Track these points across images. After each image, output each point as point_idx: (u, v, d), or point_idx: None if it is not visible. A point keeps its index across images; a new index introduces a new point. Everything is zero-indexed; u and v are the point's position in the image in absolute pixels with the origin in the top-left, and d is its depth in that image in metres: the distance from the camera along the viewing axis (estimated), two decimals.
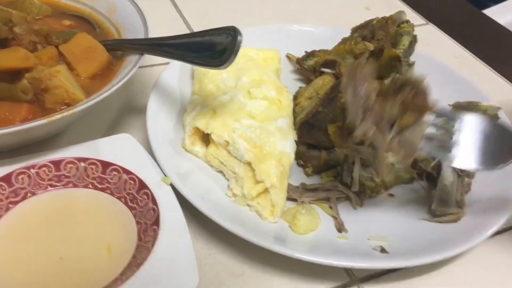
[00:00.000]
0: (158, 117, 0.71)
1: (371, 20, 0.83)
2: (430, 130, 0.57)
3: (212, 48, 0.60)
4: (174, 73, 0.80)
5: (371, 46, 0.72)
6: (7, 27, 0.66)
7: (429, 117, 0.56)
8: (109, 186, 0.61)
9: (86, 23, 0.82)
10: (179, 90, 0.79)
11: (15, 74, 0.64)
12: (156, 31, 0.75)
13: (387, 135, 0.55)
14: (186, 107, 0.74)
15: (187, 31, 1.03)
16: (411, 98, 0.54)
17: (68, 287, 0.53)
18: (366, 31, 0.80)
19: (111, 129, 0.77)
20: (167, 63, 0.83)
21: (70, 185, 0.61)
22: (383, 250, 0.58)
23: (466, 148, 0.57)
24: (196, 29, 1.04)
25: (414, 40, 0.78)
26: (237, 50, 0.57)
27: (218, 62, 0.59)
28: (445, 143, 0.57)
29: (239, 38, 0.57)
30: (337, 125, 0.62)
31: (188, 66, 0.81)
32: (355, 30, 0.84)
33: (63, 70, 0.64)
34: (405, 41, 0.76)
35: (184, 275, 0.52)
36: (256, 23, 1.08)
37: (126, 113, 0.80)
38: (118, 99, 0.81)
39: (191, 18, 1.08)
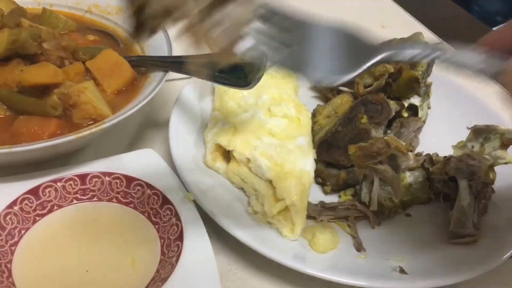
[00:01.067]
0: (180, 133, 0.72)
1: (389, 41, 0.84)
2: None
3: (238, 68, 0.62)
4: (195, 88, 0.81)
5: (391, 68, 0.73)
6: (36, 43, 0.67)
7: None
8: (133, 200, 0.62)
9: (110, 38, 0.84)
10: (199, 106, 0.80)
11: (43, 89, 0.66)
12: (175, 47, 0.77)
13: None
14: (207, 123, 0.76)
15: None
16: None
17: None
18: None
19: (133, 143, 0.78)
20: (187, 78, 0.85)
21: (95, 198, 0.62)
22: (402, 271, 0.59)
23: (305, 53, 0.45)
24: None
25: (432, 61, 0.79)
26: (264, 71, 0.59)
27: (244, 82, 0.60)
28: (278, 42, 0.45)
29: (265, 58, 0.59)
30: (357, 146, 0.63)
31: (208, 83, 0.83)
32: None
33: (91, 86, 0.66)
34: (423, 62, 0.77)
35: None
36: None
37: (147, 127, 0.82)
38: (139, 113, 0.83)
39: None
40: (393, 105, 0.72)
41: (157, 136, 0.80)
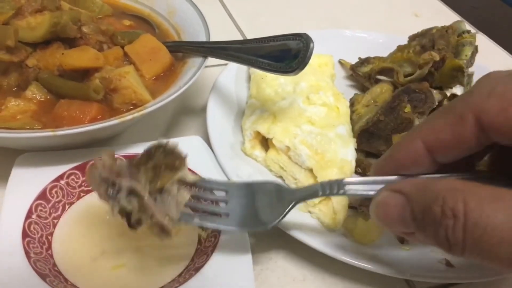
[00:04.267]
0: (217, 120, 0.72)
1: (430, 29, 0.82)
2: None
3: (282, 54, 0.61)
4: (230, 75, 0.80)
5: (437, 57, 0.71)
6: (76, 27, 0.67)
7: (191, 182, 0.52)
8: None
9: (145, 23, 0.83)
10: (235, 93, 0.79)
11: (83, 73, 0.65)
12: (213, 34, 0.76)
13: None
14: (244, 110, 0.75)
15: (240, 36, 1.04)
16: (162, 159, 0.50)
17: (127, 284, 0.54)
18: (425, 40, 0.80)
19: (168, 130, 0.77)
20: (221, 65, 0.84)
21: None
22: (448, 264, 0.57)
23: (235, 212, 0.53)
24: (248, 34, 1.04)
25: (475, 50, 0.77)
26: (309, 57, 0.57)
27: (289, 68, 0.59)
28: (212, 211, 0.53)
29: (311, 45, 0.57)
30: (401, 135, 0.62)
31: (244, 69, 0.82)
32: (412, 38, 0.84)
33: (132, 71, 0.65)
34: (467, 51, 0.75)
35: (240, 282, 0.52)
36: (304, 29, 1.08)
37: (182, 114, 0.81)
38: (175, 100, 0.82)
39: (241, 22, 1.08)
40: (436, 94, 0.70)
41: (191, 122, 0.79)
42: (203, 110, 0.76)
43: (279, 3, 1.18)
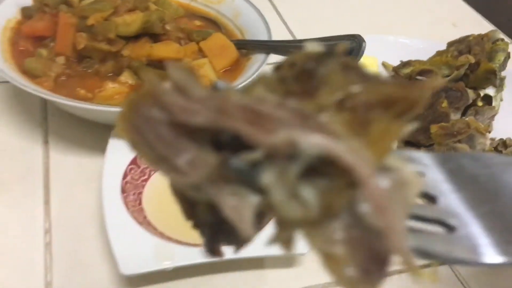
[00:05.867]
0: None
1: (467, 36, 0.92)
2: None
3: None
4: None
5: (472, 59, 0.80)
6: (161, 24, 0.79)
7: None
8: None
9: (213, 24, 0.95)
10: None
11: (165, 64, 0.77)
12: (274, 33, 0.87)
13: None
14: None
15: (291, 37, 1.15)
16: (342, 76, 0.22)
17: None
18: (462, 46, 0.89)
19: None
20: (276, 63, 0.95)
21: None
22: None
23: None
24: (298, 36, 1.15)
25: (508, 56, 0.86)
26: (362, 55, 0.68)
27: None
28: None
29: (364, 44, 0.68)
30: (440, 125, 0.71)
31: None
32: (451, 44, 0.93)
33: (207, 62, 0.77)
34: (500, 57, 0.84)
35: None
36: (350, 33, 1.19)
37: None
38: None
39: (292, 25, 1.20)
40: (470, 93, 0.80)
41: None
42: None
43: (327, 9, 1.29)
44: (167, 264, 0.58)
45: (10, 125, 0.79)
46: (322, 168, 0.19)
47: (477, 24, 1.34)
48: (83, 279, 0.61)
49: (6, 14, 0.81)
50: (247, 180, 0.19)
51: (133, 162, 0.69)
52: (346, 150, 0.18)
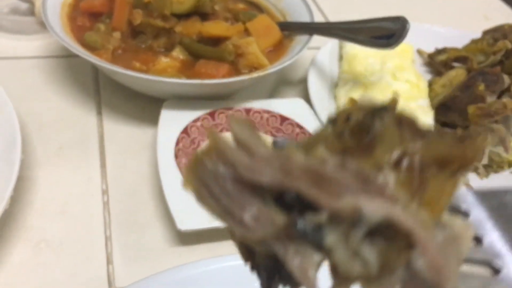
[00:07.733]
0: (316, 88, 0.86)
1: (502, 25, 0.94)
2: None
3: (379, 32, 0.75)
4: (325, 54, 0.95)
5: (509, 45, 0.83)
6: (211, 4, 0.83)
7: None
8: (283, 136, 0.77)
9: (256, 8, 0.99)
10: (329, 69, 0.94)
11: (215, 41, 0.82)
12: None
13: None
14: (337, 83, 0.89)
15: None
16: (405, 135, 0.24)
17: None
18: (497, 34, 0.92)
19: (271, 96, 0.93)
20: (314, 48, 0.98)
21: None
22: None
23: None
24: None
25: None
26: (405, 36, 0.71)
27: (386, 44, 0.73)
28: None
29: (407, 25, 0.71)
30: (477, 106, 0.75)
31: (336, 50, 0.96)
32: (486, 32, 0.96)
33: (254, 41, 0.81)
34: None
35: None
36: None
37: (281, 84, 0.96)
38: (282, 69, 0.98)
39: (328, 12, 1.23)
40: (506, 78, 0.82)
41: (290, 91, 0.94)
42: (299, 82, 0.92)
43: None
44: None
45: (65, 96, 0.84)
46: (382, 228, 0.20)
47: (508, 17, 1.36)
48: (140, 235, 0.65)
49: None
50: (310, 238, 0.21)
51: (184, 131, 0.73)
52: (405, 214, 0.20)
